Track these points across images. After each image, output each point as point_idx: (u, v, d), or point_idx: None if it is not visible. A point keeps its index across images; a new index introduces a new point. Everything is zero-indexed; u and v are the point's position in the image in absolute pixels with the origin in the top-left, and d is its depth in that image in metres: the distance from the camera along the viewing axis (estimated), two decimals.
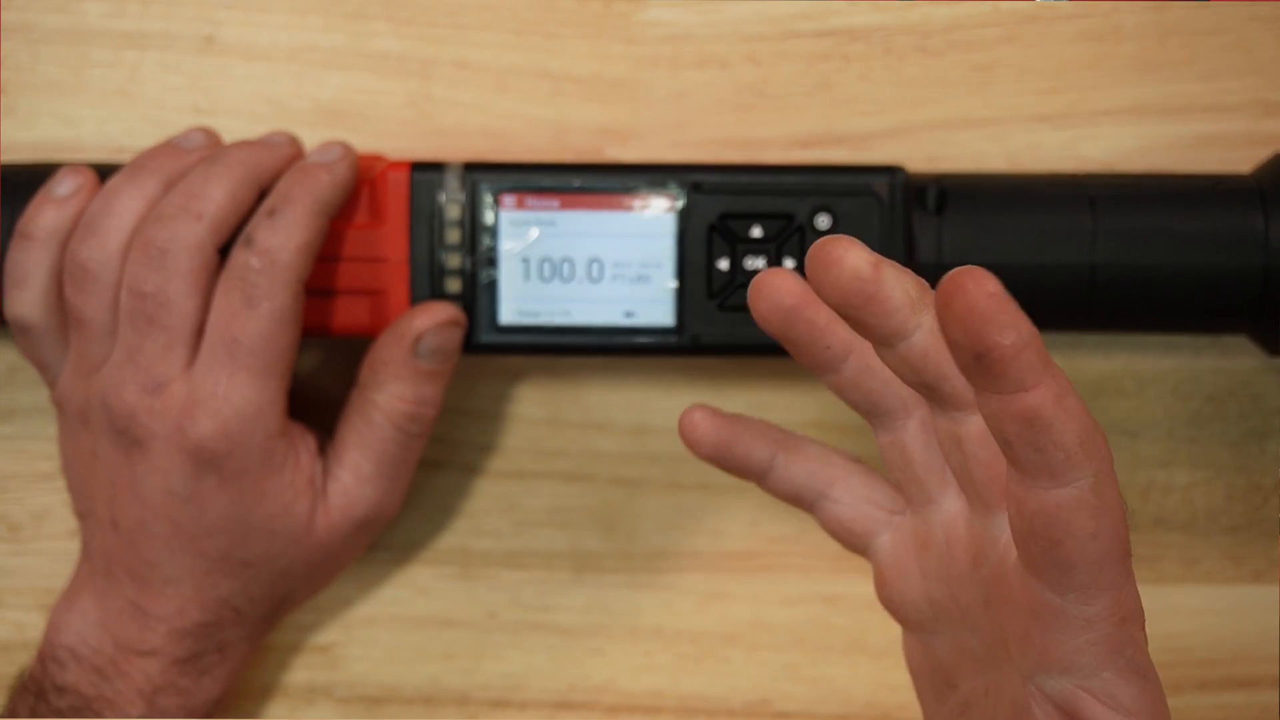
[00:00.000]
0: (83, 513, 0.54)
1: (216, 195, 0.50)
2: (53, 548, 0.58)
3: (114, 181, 0.51)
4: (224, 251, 0.50)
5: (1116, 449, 0.58)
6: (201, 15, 0.57)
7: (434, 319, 0.52)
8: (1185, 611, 0.59)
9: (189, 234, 0.49)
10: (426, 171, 0.52)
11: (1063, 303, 0.52)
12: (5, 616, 0.59)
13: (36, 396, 0.58)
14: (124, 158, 0.56)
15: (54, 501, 0.58)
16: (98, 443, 0.51)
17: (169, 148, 0.52)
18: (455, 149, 0.57)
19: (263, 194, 0.51)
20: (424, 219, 0.52)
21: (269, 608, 0.54)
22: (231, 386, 0.49)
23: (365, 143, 0.57)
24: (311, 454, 0.53)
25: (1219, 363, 0.58)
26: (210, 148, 0.52)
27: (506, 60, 0.57)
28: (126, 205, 0.50)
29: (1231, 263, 0.51)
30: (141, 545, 0.52)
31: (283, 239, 0.49)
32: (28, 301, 0.51)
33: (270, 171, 0.51)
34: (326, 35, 0.57)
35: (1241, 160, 0.57)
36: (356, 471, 0.53)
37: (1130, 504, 0.58)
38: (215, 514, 0.51)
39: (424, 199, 0.52)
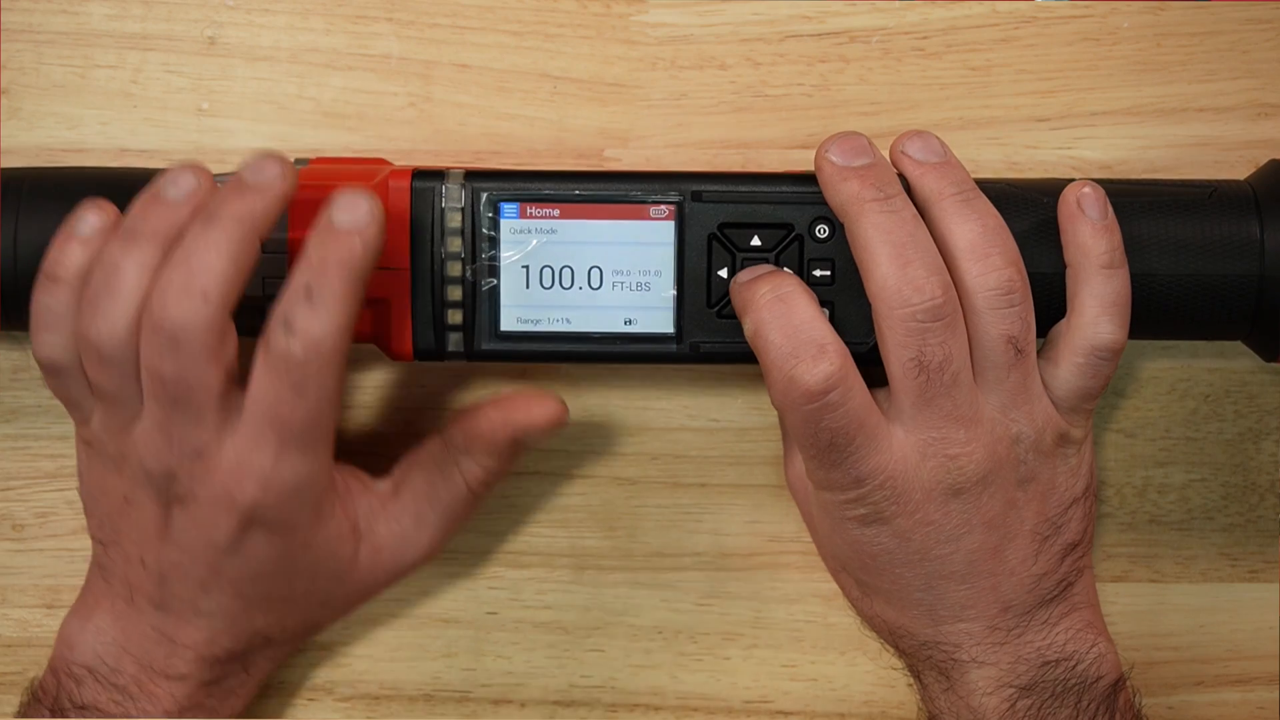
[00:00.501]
0: (103, 540, 0.52)
1: (218, 267, 0.47)
2: (56, 546, 0.59)
3: (111, 253, 0.48)
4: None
5: (1114, 448, 0.58)
6: (204, 17, 0.57)
7: (548, 418, 0.53)
8: (1182, 610, 0.59)
9: (198, 317, 0.47)
10: (428, 179, 0.51)
11: (1059, 309, 0.51)
12: (10, 614, 0.59)
13: (40, 396, 0.58)
14: (128, 159, 0.56)
15: (57, 500, 0.58)
16: (134, 491, 0.50)
17: (158, 203, 0.49)
18: (456, 150, 0.57)
19: (264, 243, 0.48)
20: (425, 227, 0.51)
21: (301, 635, 0.55)
22: (281, 461, 0.48)
23: (366, 144, 0.57)
24: (353, 496, 0.53)
25: (1215, 363, 0.58)
26: (199, 193, 0.49)
27: (507, 62, 0.57)
28: (128, 281, 0.48)
29: (1227, 271, 0.51)
30: (174, 583, 0.51)
31: (324, 323, 0.47)
32: (57, 345, 0.50)
33: (267, 218, 0.48)
34: (328, 37, 0.57)
35: (1238, 161, 0.57)
36: (420, 520, 0.54)
37: (1127, 502, 0.59)
38: (259, 562, 0.50)
39: (425, 207, 0.51)
